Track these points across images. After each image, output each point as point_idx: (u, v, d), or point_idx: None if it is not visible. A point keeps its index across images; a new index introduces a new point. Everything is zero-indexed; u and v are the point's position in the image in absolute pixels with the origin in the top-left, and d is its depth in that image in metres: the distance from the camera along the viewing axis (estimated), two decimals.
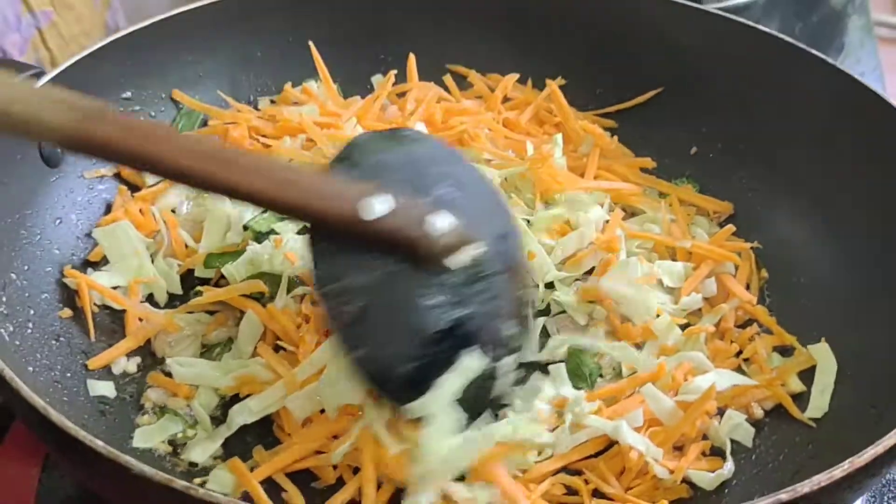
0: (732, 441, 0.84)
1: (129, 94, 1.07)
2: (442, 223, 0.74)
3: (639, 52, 1.16)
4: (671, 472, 0.79)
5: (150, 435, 0.84)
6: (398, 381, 0.73)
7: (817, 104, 1.04)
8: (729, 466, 0.81)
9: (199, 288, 0.95)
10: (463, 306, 0.74)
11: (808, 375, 0.89)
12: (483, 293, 0.75)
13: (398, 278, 0.73)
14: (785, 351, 0.93)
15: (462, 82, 1.20)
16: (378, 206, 0.72)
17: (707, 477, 0.80)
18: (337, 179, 0.78)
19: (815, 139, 1.03)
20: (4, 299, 0.86)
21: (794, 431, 0.85)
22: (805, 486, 0.63)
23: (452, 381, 0.73)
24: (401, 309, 0.73)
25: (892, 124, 0.96)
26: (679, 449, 0.83)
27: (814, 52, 1.04)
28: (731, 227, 1.02)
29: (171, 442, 0.84)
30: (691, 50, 1.13)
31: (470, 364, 0.73)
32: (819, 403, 0.86)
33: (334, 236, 0.74)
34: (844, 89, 1.01)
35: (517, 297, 0.79)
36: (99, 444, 0.64)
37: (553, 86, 1.15)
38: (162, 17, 1.07)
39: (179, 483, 0.62)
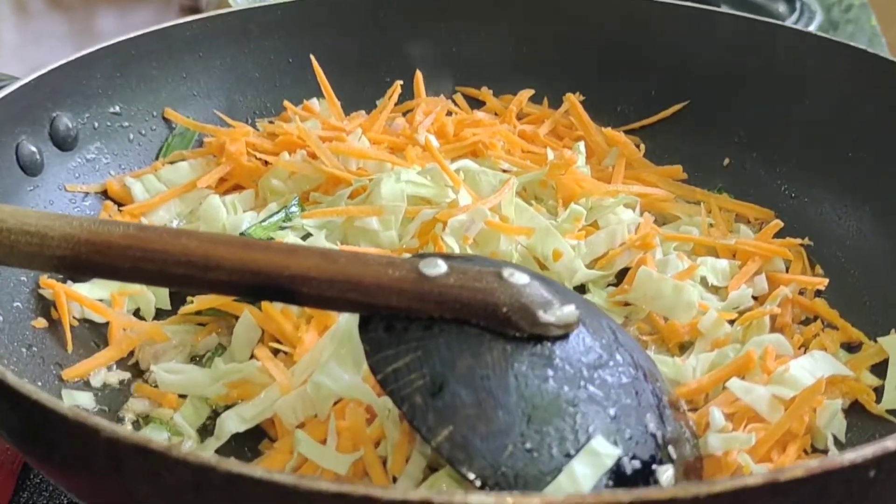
0: None
1: (117, 108, 1.00)
2: (520, 276, 0.64)
3: (658, 63, 1.10)
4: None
5: None
6: (502, 468, 0.59)
7: (852, 96, 0.97)
8: None
9: (189, 298, 0.85)
10: (578, 386, 0.63)
11: (878, 370, 0.79)
12: (609, 381, 0.64)
13: (481, 344, 0.62)
14: (850, 348, 0.82)
15: (473, 104, 1.12)
16: (442, 264, 0.63)
17: None
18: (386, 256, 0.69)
19: (853, 133, 0.96)
20: None
21: (871, 427, 0.75)
22: None
23: (586, 472, 0.59)
24: (490, 377, 0.61)
25: None
26: None
27: (846, 41, 0.97)
28: (777, 223, 0.93)
29: None
30: (714, 57, 1.07)
31: (601, 449, 0.60)
32: (895, 396, 0.75)
33: (393, 311, 0.63)
34: (880, 76, 0.94)
35: (655, 395, 0.67)
36: (63, 406, 0.53)
37: (572, 98, 1.08)
38: (153, 28, 1.01)
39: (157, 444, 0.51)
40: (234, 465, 0.49)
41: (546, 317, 0.63)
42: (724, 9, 1.76)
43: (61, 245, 0.63)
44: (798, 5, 1.74)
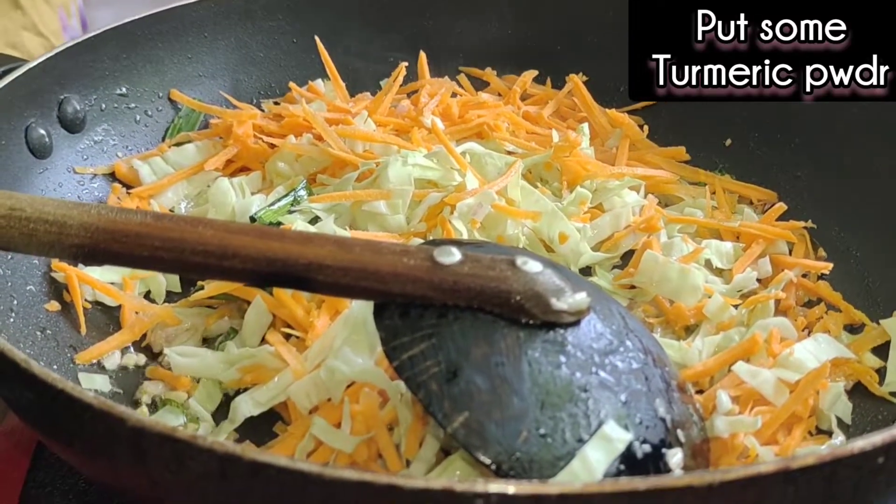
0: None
1: (124, 90, 1.00)
2: (533, 265, 0.64)
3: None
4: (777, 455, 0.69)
5: None
6: (517, 453, 0.60)
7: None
8: (840, 442, 0.71)
9: (200, 283, 0.86)
10: (590, 372, 0.64)
11: (880, 351, 0.80)
12: (620, 367, 0.65)
13: (495, 331, 0.63)
14: (853, 330, 0.83)
15: (476, 85, 1.13)
16: (456, 252, 0.64)
17: None
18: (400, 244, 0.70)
19: (857, 115, 0.96)
20: None
21: (874, 408, 0.76)
22: None
23: (598, 457, 0.60)
24: (504, 364, 0.62)
25: None
26: None
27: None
28: (781, 206, 0.94)
29: None
30: None
31: (612, 434, 0.61)
32: None
33: (408, 299, 0.64)
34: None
35: (664, 379, 0.68)
36: (87, 395, 0.54)
37: (575, 79, 1.08)
38: (159, 9, 1.01)
39: (184, 433, 0.52)
40: (258, 454, 0.51)
41: (559, 304, 0.64)
42: None
43: (80, 234, 0.64)
44: None
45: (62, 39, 1.32)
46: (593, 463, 0.60)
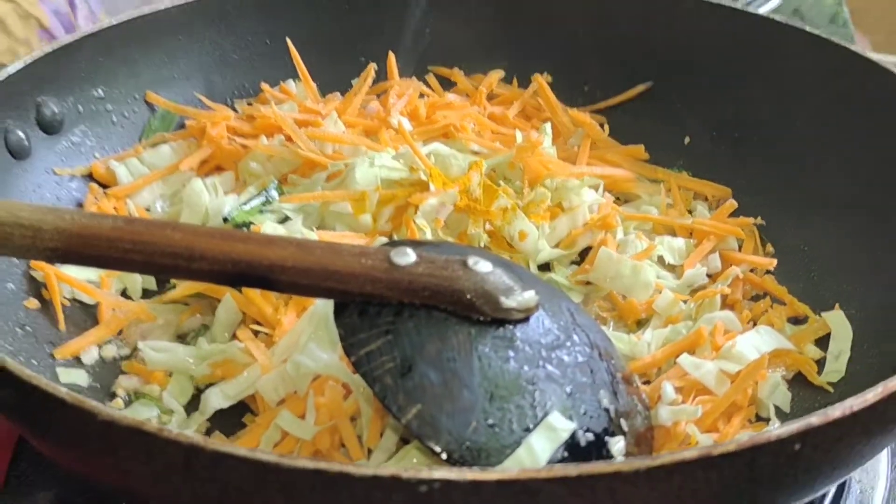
0: None
1: (100, 91, 1.03)
2: (483, 265, 0.68)
3: (624, 45, 1.13)
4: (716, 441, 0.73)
5: None
6: (466, 442, 0.64)
7: (807, 78, 1.01)
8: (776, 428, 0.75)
9: (174, 282, 0.90)
10: (537, 365, 0.68)
11: (822, 343, 0.85)
12: (566, 360, 0.70)
13: (447, 328, 0.67)
14: (798, 322, 0.88)
15: (445, 84, 1.16)
16: (411, 253, 0.68)
17: None
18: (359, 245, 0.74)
19: (809, 114, 1.01)
20: None
21: (812, 397, 0.81)
22: (836, 411, 0.57)
23: (542, 445, 0.64)
24: (456, 359, 0.66)
25: (880, 89, 0.93)
26: None
27: (801, 26, 1.02)
28: (732, 203, 0.98)
29: None
30: (678, 39, 1.11)
31: (557, 424, 0.65)
32: (835, 367, 0.82)
33: (366, 298, 0.68)
34: (833, 59, 0.99)
35: (609, 372, 0.73)
36: (61, 390, 0.58)
37: (540, 80, 1.12)
38: (134, 14, 1.04)
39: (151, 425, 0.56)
40: (220, 444, 0.54)
41: (508, 302, 0.68)
42: None
43: (54, 237, 0.68)
44: None
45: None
46: (538, 451, 0.64)
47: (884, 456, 0.82)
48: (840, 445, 0.59)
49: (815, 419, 0.56)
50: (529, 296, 0.69)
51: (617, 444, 0.68)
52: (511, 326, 0.68)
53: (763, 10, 1.67)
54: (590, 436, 0.67)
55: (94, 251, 0.68)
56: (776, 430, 0.56)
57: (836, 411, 0.57)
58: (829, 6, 1.47)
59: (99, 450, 0.60)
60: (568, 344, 0.71)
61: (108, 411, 0.57)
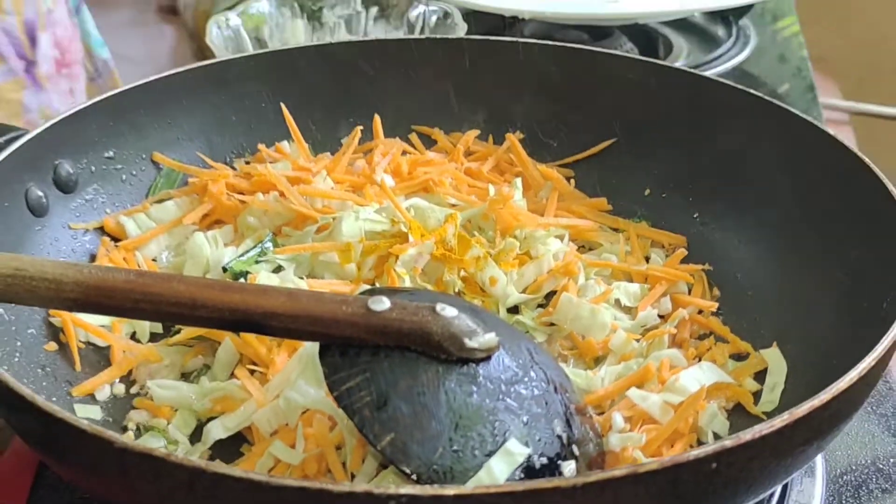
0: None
1: (111, 153, 1.13)
2: (450, 310, 0.78)
3: (590, 105, 1.24)
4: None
5: None
6: (434, 465, 0.73)
7: (754, 139, 1.11)
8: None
9: (178, 326, 0.99)
10: (497, 398, 0.77)
11: (761, 377, 0.94)
12: (524, 394, 0.79)
13: (418, 366, 0.76)
14: (740, 358, 0.97)
15: (426, 141, 1.27)
16: (386, 301, 0.78)
17: None
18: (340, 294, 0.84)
19: (755, 172, 1.10)
20: None
21: (749, 425, 0.87)
22: (747, 434, 0.67)
23: (501, 468, 0.74)
24: (425, 394, 0.75)
25: (818, 148, 1.03)
26: None
27: (751, 91, 1.12)
28: (682, 252, 1.08)
29: None
30: (641, 101, 1.21)
31: (514, 449, 0.75)
32: (770, 398, 0.91)
33: (346, 340, 0.78)
34: (778, 122, 1.08)
35: (563, 404, 0.82)
36: (83, 422, 0.68)
37: (512, 138, 1.22)
38: (142, 81, 1.15)
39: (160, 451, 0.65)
40: (219, 467, 0.64)
41: (471, 343, 0.78)
42: (669, 32, 1.93)
43: (74, 289, 0.78)
44: (734, 30, 1.90)
45: None
46: (496, 473, 0.74)
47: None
48: (752, 465, 0.68)
49: (728, 442, 0.66)
50: (490, 337, 0.78)
51: (568, 467, 0.77)
52: (474, 364, 0.78)
53: (734, 62, 1.80)
54: (544, 459, 0.76)
55: (109, 301, 0.78)
56: (695, 451, 0.65)
57: (748, 435, 0.67)
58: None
59: (115, 472, 0.69)
60: (526, 379, 0.80)
61: (122, 440, 0.66)
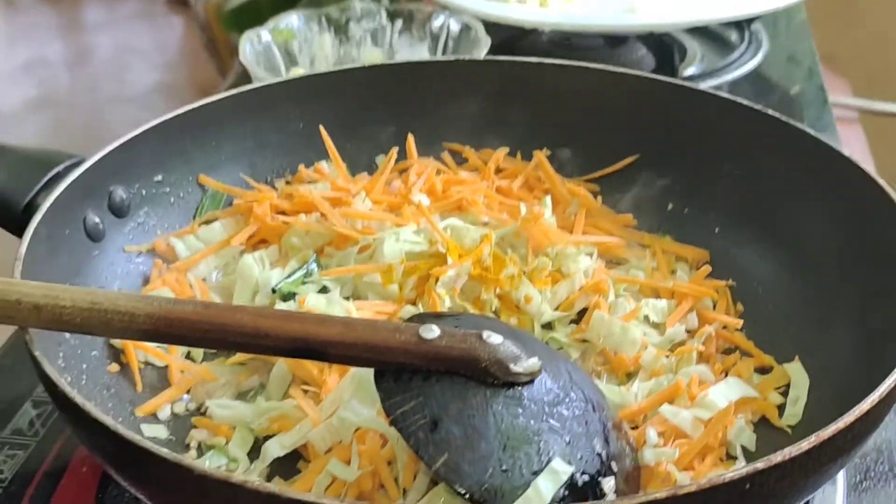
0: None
1: (160, 177, 1.19)
2: (495, 337, 0.84)
3: (616, 123, 1.29)
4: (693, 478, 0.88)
5: None
6: (485, 485, 0.78)
7: (775, 160, 1.16)
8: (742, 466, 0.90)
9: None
10: (542, 419, 0.82)
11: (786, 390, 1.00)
12: (565, 414, 0.84)
13: (467, 390, 0.82)
14: (763, 371, 1.03)
15: (458, 158, 1.32)
16: (436, 329, 0.83)
17: None
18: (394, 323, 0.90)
19: (775, 189, 1.15)
20: (61, 355, 0.96)
21: (775, 437, 0.95)
22: (778, 457, 0.72)
23: (547, 486, 0.79)
24: (475, 416, 0.81)
25: (837, 171, 1.08)
26: None
27: (770, 112, 1.17)
28: (707, 268, 1.13)
29: None
30: (665, 119, 1.26)
31: (558, 468, 0.80)
32: (793, 412, 0.96)
33: (399, 367, 0.83)
34: (799, 146, 1.13)
35: (601, 422, 0.87)
36: (163, 451, 0.73)
37: (540, 156, 1.27)
38: (189, 107, 1.20)
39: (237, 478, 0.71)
40: (292, 492, 0.70)
41: (516, 368, 0.83)
42: (684, 38, 1.98)
43: (146, 321, 0.83)
44: (747, 35, 1.95)
45: None
46: (543, 491, 0.79)
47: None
48: (783, 484, 0.74)
49: (760, 464, 0.71)
50: (533, 362, 0.84)
51: (608, 483, 0.83)
52: (519, 388, 0.84)
53: (748, 67, 1.84)
54: (585, 477, 0.82)
55: (178, 331, 0.84)
56: (730, 473, 0.71)
57: (778, 457, 0.72)
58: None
59: (193, 496, 0.75)
60: (567, 400, 0.86)
61: (202, 467, 0.72)
